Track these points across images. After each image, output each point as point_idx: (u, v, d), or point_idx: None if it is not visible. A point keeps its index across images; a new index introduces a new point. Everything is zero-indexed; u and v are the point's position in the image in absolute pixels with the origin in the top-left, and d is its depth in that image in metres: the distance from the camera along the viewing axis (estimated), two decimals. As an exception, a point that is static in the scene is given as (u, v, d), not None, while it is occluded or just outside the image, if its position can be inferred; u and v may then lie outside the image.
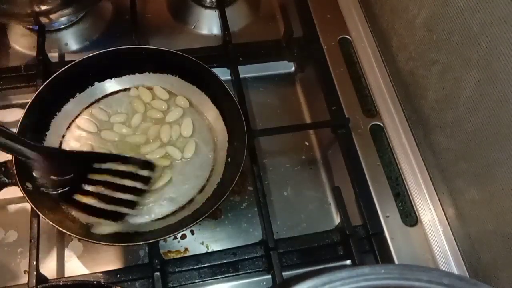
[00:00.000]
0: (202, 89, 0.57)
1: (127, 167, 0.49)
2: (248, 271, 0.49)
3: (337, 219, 0.55)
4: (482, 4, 0.44)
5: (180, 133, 0.55)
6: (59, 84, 0.52)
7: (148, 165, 0.51)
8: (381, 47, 0.66)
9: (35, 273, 0.45)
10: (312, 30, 0.66)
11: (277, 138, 0.58)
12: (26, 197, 0.45)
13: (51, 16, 0.59)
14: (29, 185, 0.47)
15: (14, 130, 0.48)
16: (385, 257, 0.51)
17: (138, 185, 0.49)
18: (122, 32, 0.67)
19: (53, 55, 0.63)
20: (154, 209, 0.51)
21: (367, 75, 0.64)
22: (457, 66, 0.49)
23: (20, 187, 0.45)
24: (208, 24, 0.70)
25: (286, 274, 0.48)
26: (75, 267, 0.51)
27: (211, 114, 0.57)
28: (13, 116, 0.59)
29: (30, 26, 0.65)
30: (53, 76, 0.52)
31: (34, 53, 0.60)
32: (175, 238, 0.53)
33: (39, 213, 0.45)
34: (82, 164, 0.48)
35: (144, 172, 0.50)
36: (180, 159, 0.53)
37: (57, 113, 0.54)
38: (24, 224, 0.50)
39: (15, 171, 0.46)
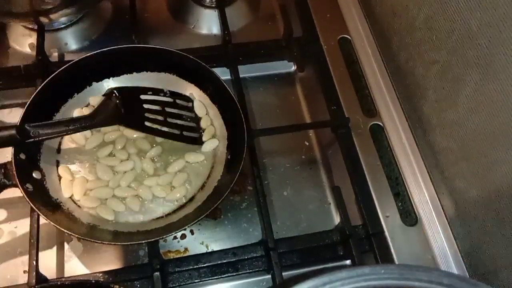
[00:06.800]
0: (201, 88, 0.57)
1: (169, 98, 0.56)
2: (248, 271, 0.49)
3: (337, 219, 0.55)
4: (482, 4, 0.43)
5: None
6: (57, 84, 0.52)
7: (187, 98, 0.57)
8: (381, 47, 0.66)
9: (34, 273, 0.45)
10: (312, 30, 0.66)
11: (277, 138, 0.58)
12: (27, 198, 0.45)
13: (51, 16, 0.59)
14: (29, 186, 0.47)
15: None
16: (385, 257, 0.51)
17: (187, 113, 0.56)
18: (122, 32, 0.66)
19: (53, 55, 0.63)
20: (154, 207, 0.51)
21: (367, 75, 0.64)
22: (457, 66, 0.49)
23: (20, 188, 0.45)
24: (208, 23, 0.69)
25: (286, 274, 0.48)
26: (75, 267, 0.51)
27: (211, 113, 0.57)
28: (13, 116, 0.59)
29: (30, 26, 0.65)
30: (51, 76, 0.51)
31: (34, 53, 0.60)
32: (175, 238, 0.53)
33: (40, 213, 0.45)
34: (130, 98, 0.53)
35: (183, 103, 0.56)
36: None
37: (55, 114, 0.54)
38: (24, 224, 0.50)
39: (15, 173, 0.46)
